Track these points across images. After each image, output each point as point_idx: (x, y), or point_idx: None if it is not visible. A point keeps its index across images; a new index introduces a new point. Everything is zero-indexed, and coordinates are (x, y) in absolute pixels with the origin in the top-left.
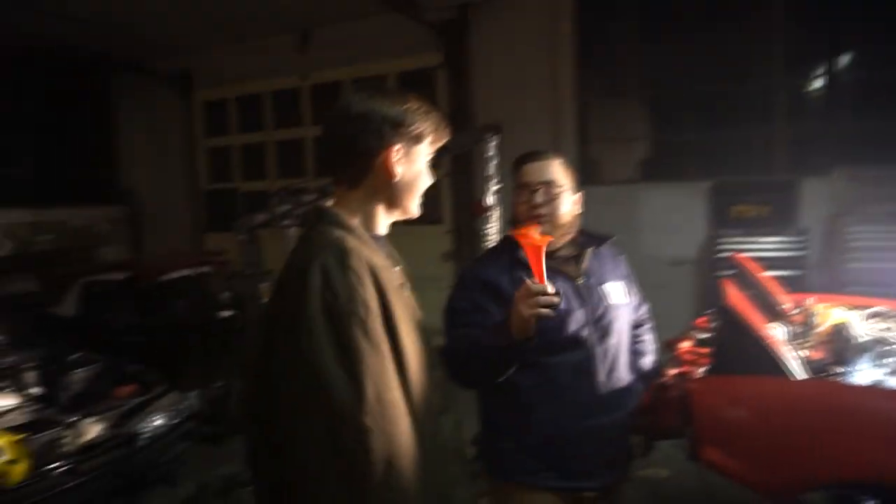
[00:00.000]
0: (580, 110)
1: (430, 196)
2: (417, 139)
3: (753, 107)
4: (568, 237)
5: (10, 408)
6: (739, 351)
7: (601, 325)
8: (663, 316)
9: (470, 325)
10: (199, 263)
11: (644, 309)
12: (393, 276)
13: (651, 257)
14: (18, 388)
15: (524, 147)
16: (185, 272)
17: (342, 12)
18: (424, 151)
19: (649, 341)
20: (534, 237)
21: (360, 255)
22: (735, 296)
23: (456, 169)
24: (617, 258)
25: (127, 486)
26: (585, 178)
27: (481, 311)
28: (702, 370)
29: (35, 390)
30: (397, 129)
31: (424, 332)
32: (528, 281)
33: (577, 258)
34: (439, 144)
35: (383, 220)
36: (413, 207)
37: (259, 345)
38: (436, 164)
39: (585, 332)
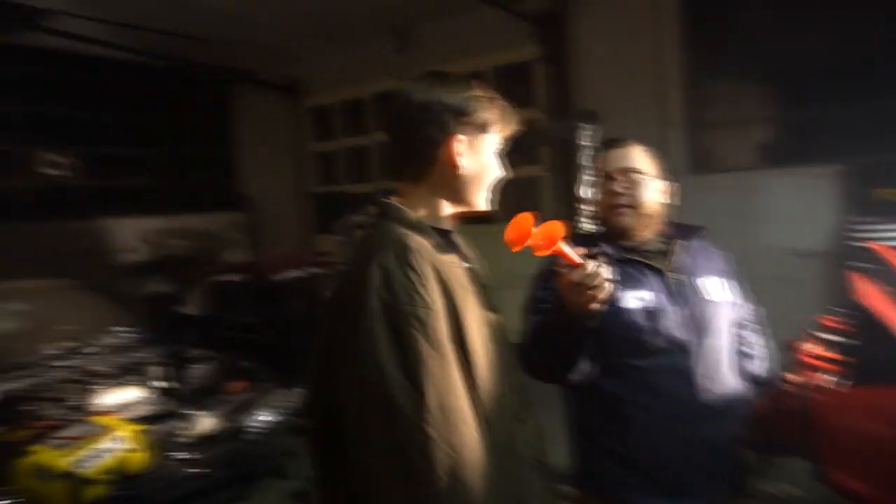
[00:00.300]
0: (688, 95)
1: (531, 190)
2: (482, 128)
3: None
4: (654, 229)
5: (136, 400)
6: (879, 356)
7: (698, 323)
8: (786, 313)
9: (542, 313)
10: (309, 264)
11: (750, 308)
12: (461, 273)
13: (772, 249)
14: (145, 381)
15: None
16: (296, 273)
17: (439, 11)
18: (491, 141)
19: (758, 344)
20: (541, 234)
21: (422, 252)
22: (872, 292)
23: (558, 162)
24: (712, 251)
25: (238, 478)
26: (698, 167)
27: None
28: (829, 378)
29: (159, 384)
30: (459, 118)
31: (503, 332)
32: (562, 270)
33: (667, 252)
34: (507, 134)
35: (450, 215)
36: (480, 201)
37: (323, 347)
38: (529, 156)
39: (680, 332)
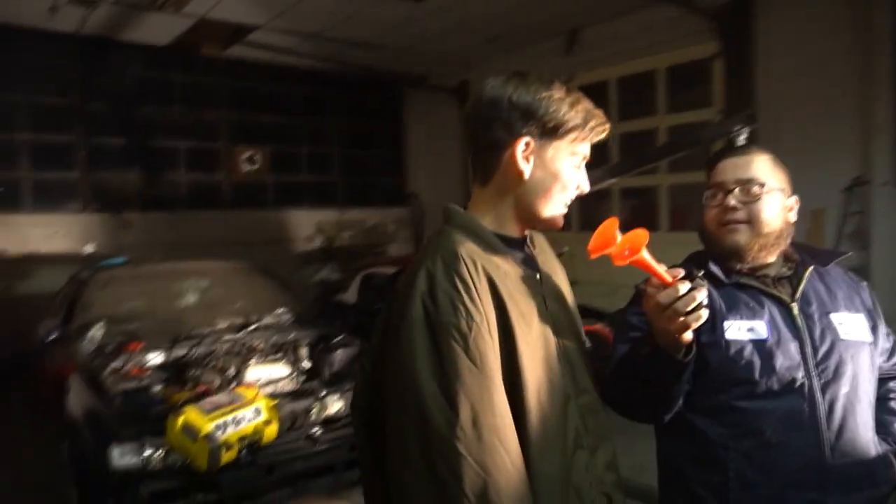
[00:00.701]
0: None
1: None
2: (553, 133)
3: None
4: (777, 251)
5: (281, 377)
6: None
7: (826, 365)
8: None
9: (632, 341)
10: None
11: None
12: (522, 286)
13: None
14: (292, 360)
15: (819, 147)
16: None
17: (609, 10)
18: (565, 149)
19: None
20: (624, 242)
21: (474, 261)
22: None
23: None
24: (854, 283)
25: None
26: None
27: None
28: None
29: (304, 364)
30: (528, 120)
31: (569, 349)
32: (649, 289)
33: (793, 279)
34: (590, 142)
35: (518, 223)
36: (546, 213)
37: (375, 350)
38: (695, 161)
39: (801, 373)
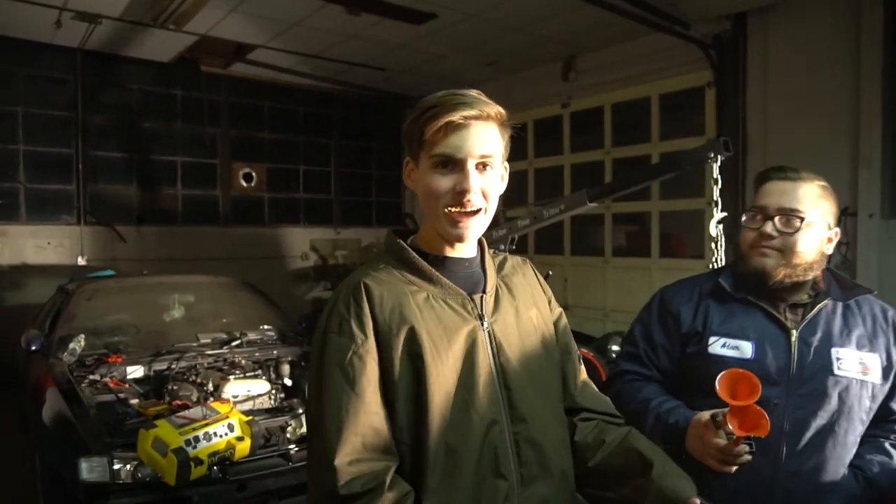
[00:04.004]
0: (890, 130)
1: (692, 224)
2: (414, 148)
3: None
4: (805, 279)
5: (260, 393)
6: None
7: (803, 393)
8: None
9: (632, 357)
10: None
11: None
12: (445, 308)
13: None
14: (273, 377)
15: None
16: None
17: (605, 38)
18: (425, 159)
19: None
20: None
21: (374, 289)
22: None
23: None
24: (884, 327)
25: None
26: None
27: (651, 343)
28: None
29: (286, 381)
30: (406, 137)
31: (515, 375)
32: (719, 432)
33: (808, 306)
34: (437, 140)
35: (441, 241)
36: (438, 226)
37: None
38: (689, 188)
39: (777, 395)
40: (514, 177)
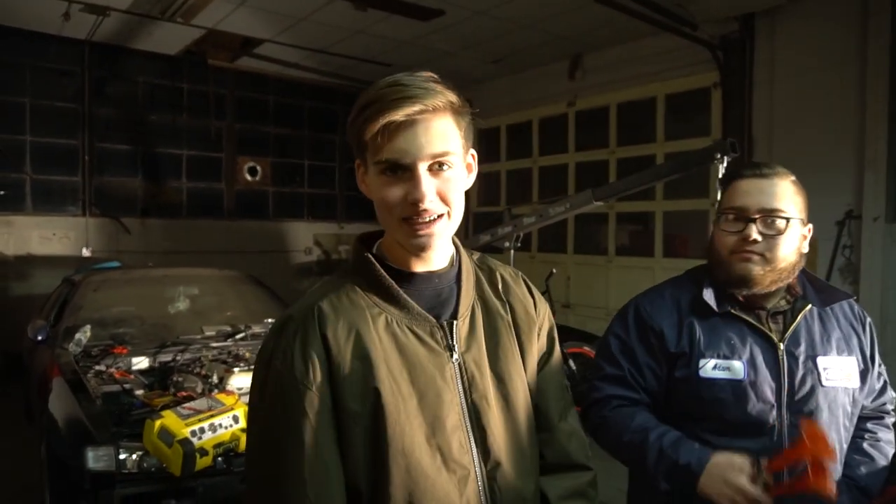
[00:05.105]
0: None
1: (697, 224)
2: (363, 148)
3: None
4: (785, 282)
5: None
6: None
7: (800, 409)
8: None
9: (615, 379)
10: None
11: (889, 398)
12: (408, 335)
13: None
14: None
15: (812, 179)
16: None
17: (612, 37)
18: (372, 165)
19: (886, 442)
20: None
21: (328, 317)
22: None
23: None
24: (857, 321)
25: None
26: None
27: (635, 362)
28: None
29: None
30: (349, 139)
31: (487, 412)
32: (757, 480)
33: (788, 314)
34: (380, 144)
35: (404, 253)
36: (397, 237)
37: None
38: (694, 188)
39: (773, 415)
40: (518, 175)
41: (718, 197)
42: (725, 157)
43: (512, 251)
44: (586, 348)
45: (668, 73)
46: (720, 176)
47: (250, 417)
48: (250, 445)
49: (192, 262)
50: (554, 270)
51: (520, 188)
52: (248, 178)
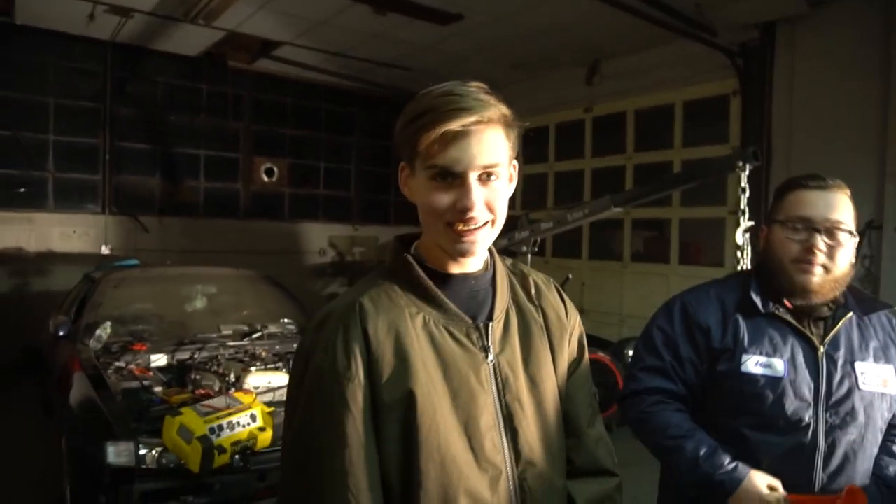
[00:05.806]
0: None
1: (714, 231)
2: (414, 153)
3: None
4: (836, 294)
5: (281, 385)
6: None
7: (837, 411)
8: None
9: (655, 370)
10: None
11: None
12: (445, 337)
13: None
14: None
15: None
16: None
17: (631, 43)
18: (420, 170)
19: None
20: None
21: (369, 315)
22: None
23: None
24: (892, 335)
25: None
26: None
27: (677, 356)
28: None
29: None
30: (399, 143)
31: (522, 413)
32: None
33: (829, 320)
34: (434, 150)
35: (443, 255)
36: (439, 242)
37: None
38: (712, 196)
39: (809, 414)
40: (534, 179)
41: (742, 204)
42: (748, 166)
43: (529, 256)
44: (601, 354)
45: (686, 80)
46: (742, 185)
47: (289, 410)
48: (289, 435)
49: (208, 262)
50: (570, 276)
51: (535, 193)
52: (265, 178)
